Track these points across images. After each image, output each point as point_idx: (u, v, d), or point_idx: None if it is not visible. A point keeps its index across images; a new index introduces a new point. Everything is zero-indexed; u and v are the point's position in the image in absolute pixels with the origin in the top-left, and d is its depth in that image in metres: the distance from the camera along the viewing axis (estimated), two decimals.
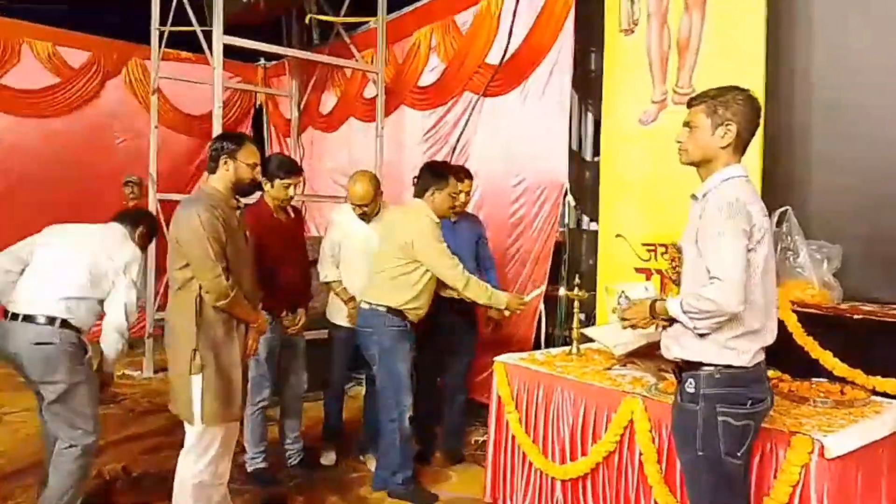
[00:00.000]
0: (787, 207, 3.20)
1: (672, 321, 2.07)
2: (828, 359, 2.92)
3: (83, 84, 6.79)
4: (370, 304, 3.40)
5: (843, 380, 2.82)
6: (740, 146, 2.07)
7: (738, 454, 2.02)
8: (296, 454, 3.74)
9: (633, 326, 2.21)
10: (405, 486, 3.40)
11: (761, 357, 2.06)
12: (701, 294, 1.93)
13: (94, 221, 3.21)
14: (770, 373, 2.93)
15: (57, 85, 6.65)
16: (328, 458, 3.87)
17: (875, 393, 2.71)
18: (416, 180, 3.51)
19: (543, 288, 3.52)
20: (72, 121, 6.76)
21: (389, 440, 3.39)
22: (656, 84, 3.55)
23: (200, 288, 2.64)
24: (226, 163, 2.74)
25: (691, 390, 2.04)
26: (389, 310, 3.35)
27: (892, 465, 2.49)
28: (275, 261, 3.37)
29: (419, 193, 3.44)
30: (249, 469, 3.56)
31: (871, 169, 3.15)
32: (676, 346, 2.09)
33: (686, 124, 2.12)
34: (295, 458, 3.74)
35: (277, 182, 3.42)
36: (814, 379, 2.83)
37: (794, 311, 3.05)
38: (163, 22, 5.76)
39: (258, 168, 2.84)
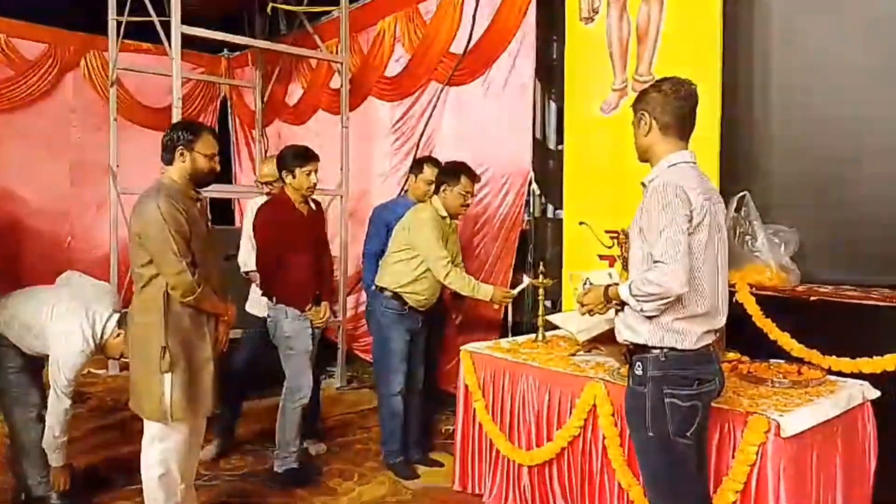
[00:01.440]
0: (746, 193, 3.26)
1: (624, 305, 2.12)
2: (786, 340, 2.99)
3: (39, 77, 6.62)
4: (376, 285, 3.61)
5: (800, 360, 2.89)
6: (668, 129, 2.12)
7: (688, 434, 2.06)
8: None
9: (591, 312, 2.26)
10: (388, 458, 3.63)
11: (709, 339, 2.10)
12: (646, 277, 1.97)
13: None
14: (730, 354, 3.02)
15: (11, 78, 6.47)
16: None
17: (831, 372, 2.78)
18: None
19: (529, 281, 3.56)
20: (30, 115, 6.58)
21: (380, 414, 3.69)
22: (617, 72, 3.57)
23: (166, 284, 2.58)
24: (182, 154, 2.67)
25: (639, 373, 2.10)
26: (388, 292, 3.52)
27: (846, 441, 2.56)
28: (297, 254, 3.40)
29: (435, 190, 3.58)
30: (279, 469, 3.48)
31: (828, 155, 3.22)
32: (626, 329, 2.15)
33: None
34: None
35: (298, 171, 3.39)
36: (772, 360, 2.89)
37: (752, 294, 3.12)
38: (120, 12, 5.62)
39: (216, 158, 2.77)
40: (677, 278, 1.93)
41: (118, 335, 2.98)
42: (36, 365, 3.13)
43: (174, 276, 2.57)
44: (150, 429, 2.69)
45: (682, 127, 2.13)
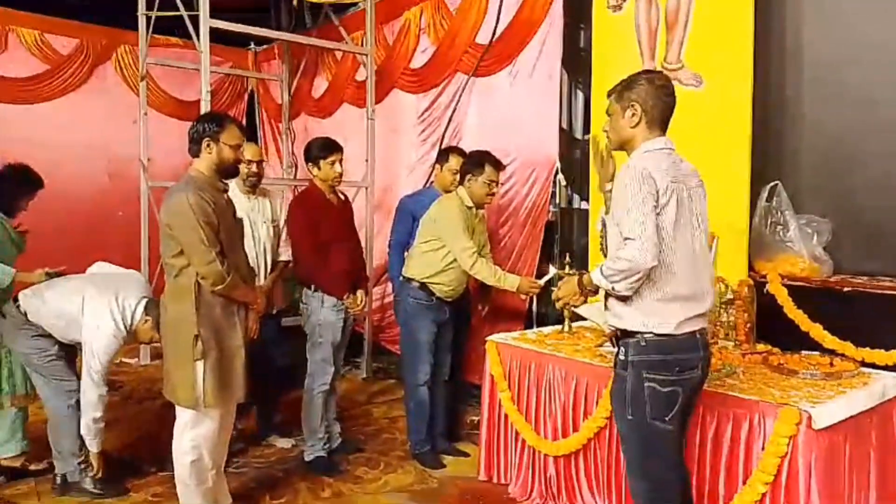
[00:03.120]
0: (777, 182, 3.20)
1: (598, 291, 2.18)
2: (818, 331, 2.95)
3: (73, 71, 6.75)
4: (403, 276, 3.63)
5: (832, 352, 2.84)
6: (654, 122, 2.17)
7: (667, 419, 2.10)
8: (335, 437, 3.73)
9: (566, 305, 2.33)
10: (414, 448, 3.66)
11: (694, 326, 2.13)
12: (617, 255, 2.03)
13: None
14: (760, 346, 2.98)
15: (47, 72, 6.61)
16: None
17: (864, 364, 2.73)
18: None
19: (555, 271, 3.55)
20: (64, 108, 6.72)
21: (406, 404, 3.71)
22: (645, 60, 3.52)
23: (197, 274, 2.64)
24: (208, 145, 2.71)
25: (622, 357, 2.16)
26: (415, 282, 3.53)
27: (880, 435, 2.51)
28: (331, 243, 3.47)
29: (460, 180, 3.57)
30: (309, 458, 3.55)
31: (863, 143, 3.14)
32: (612, 315, 2.19)
33: (607, 113, 2.27)
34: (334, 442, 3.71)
35: (323, 163, 3.46)
36: (804, 351, 2.85)
37: (784, 285, 3.07)
38: (149, 7, 5.70)
39: (242, 149, 2.83)
40: (648, 252, 1.97)
41: (146, 321, 3.06)
42: (70, 353, 3.21)
43: (204, 266, 2.62)
44: (183, 415, 2.75)
45: (666, 121, 2.20)
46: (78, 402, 3.09)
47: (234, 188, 3.48)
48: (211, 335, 2.68)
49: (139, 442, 3.90)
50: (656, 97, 2.15)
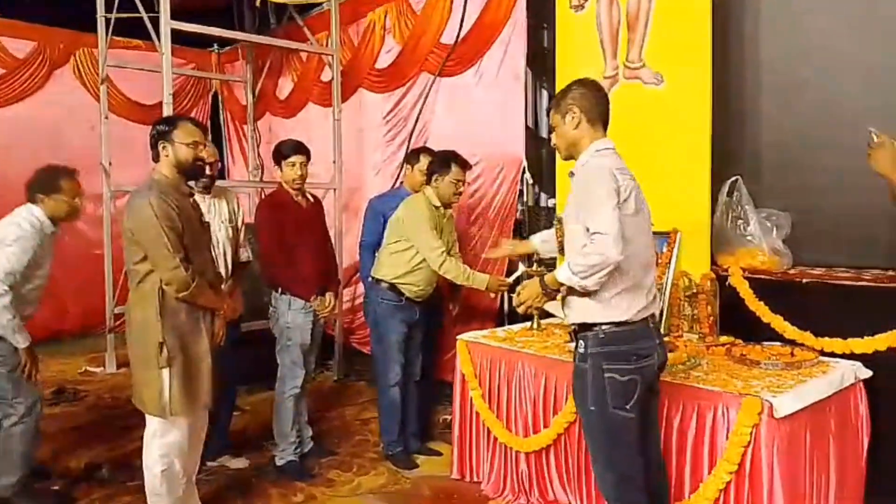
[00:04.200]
0: (738, 177, 3.28)
1: (562, 288, 2.22)
2: (779, 322, 3.02)
3: (30, 75, 6.59)
4: (372, 277, 3.64)
5: (793, 342, 2.91)
6: (595, 121, 2.27)
7: (627, 407, 2.17)
8: (306, 441, 3.68)
9: (528, 308, 2.36)
10: (387, 449, 3.65)
11: (647, 313, 2.21)
12: (586, 251, 2.08)
13: None
14: (723, 338, 3.05)
15: (2, 76, 6.44)
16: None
17: (823, 353, 2.80)
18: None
19: (524, 269, 3.57)
20: (21, 112, 6.56)
21: (378, 406, 3.72)
22: (608, 59, 3.57)
23: (161, 280, 2.60)
24: (164, 147, 2.68)
25: (581, 350, 2.23)
26: (385, 284, 3.54)
27: (839, 421, 2.59)
28: (297, 245, 3.45)
29: (427, 180, 3.58)
30: (280, 463, 3.52)
31: (818, 139, 3.23)
32: (570, 311, 2.26)
33: (550, 128, 2.38)
34: (306, 446, 3.67)
35: (284, 164, 3.48)
36: (765, 342, 2.92)
37: (745, 278, 3.14)
38: (108, 9, 5.60)
39: (200, 146, 2.76)
40: (616, 246, 2.04)
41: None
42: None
43: (168, 272, 2.58)
44: (152, 424, 2.70)
45: (605, 120, 2.30)
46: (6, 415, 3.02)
47: None
48: (176, 342, 2.63)
49: (106, 453, 3.82)
50: (590, 97, 2.26)
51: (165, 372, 2.60)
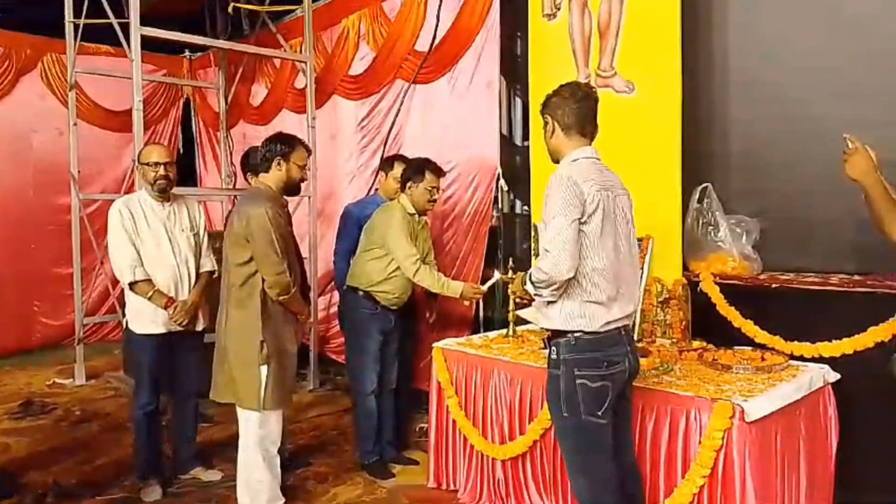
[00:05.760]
0: (707, 184, 3.33)
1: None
2: (749, 327, 3.07)
3: None
4: (347, 284, 3.63)
5: (764, 346, 2.96)
6: (570, 129, 2.27)
7: (599, 413, 2.19)
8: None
9: (521, 298, 2.44)
10: (363, 458, 3.64)
11: (619, 323, 2.23)
12: (538, 266, 2.12)
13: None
14: (695, 343, 3.08)
15: None
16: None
17: (793, 357, 2.86)
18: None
19: (498, 276, 3.57)
20: None
21: (354, 415, 3.73)
22: (580, 67, 3.60)
23: (263, 282, 2.83)
24: (279, 164, 2.93)
25: (554, 357, 2.24)
26: (360, 292, 3.54)
27: (808, 423, 2.63)
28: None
29: (401, 188, 3.59)
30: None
31: (787, 146, 3.29)
32: (542, 317, 2.29)
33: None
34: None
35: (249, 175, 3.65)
36: (736, 347, 2.96)
37: (716, 283, 3.19)
38: (77, 14, 5.50)
39: (307, 169, 3.05)
40: (562, 265, 2.06)
41: None
42: None
43: (274, 276, 2.83)
44: (249, 418, 2.89)
45: (582, 127, 2.27)
46: None
47: (145, 195, 3.32)
48: (273, 341, 2.87)
49: (75, 467, 3.74)
50: (564, 106, 2.26)
51: (264, 369, 2.83)
